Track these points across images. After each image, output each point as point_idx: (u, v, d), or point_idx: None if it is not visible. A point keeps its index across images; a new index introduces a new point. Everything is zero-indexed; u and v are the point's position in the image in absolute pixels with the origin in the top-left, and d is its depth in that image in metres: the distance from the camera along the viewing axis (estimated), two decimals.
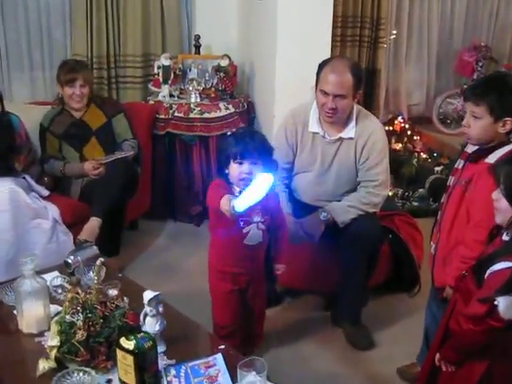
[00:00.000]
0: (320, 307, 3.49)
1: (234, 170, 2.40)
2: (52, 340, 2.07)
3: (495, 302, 1.76)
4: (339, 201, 3.12)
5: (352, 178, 3.14)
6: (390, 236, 3.39)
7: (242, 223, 2.46)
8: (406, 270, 3.51)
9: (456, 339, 1.99)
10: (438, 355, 2.10)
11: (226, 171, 2.43)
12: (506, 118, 2.28)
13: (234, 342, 2.57)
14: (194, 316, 2.48)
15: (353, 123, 3.08)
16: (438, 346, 2.15)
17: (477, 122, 2.32)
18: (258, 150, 2.40)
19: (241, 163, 2.38)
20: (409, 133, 5.55)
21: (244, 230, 2.48)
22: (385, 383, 2.90)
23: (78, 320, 2.09)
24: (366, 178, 3.10)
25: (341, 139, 3.10)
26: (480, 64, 5.82)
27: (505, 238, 1.93)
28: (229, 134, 2.50)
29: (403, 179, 5.09)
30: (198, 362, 2.08)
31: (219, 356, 2.11)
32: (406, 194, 4.96)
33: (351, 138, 3.08)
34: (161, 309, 2.18)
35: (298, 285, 3.33)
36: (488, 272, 1.82)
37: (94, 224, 3.48)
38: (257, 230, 2.50)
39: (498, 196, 1.91)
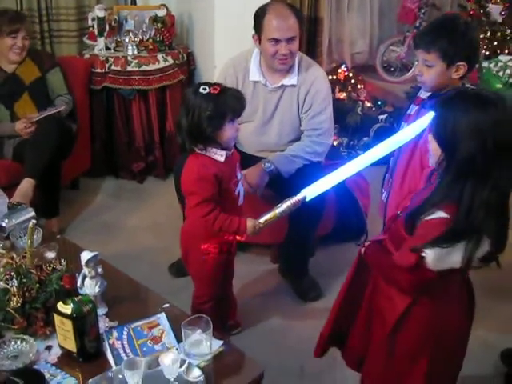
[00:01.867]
0: (267, 260, 3.45)
1: (229, 130, 2.27)
2: None
3: (422, 254, 1.70)
4: (283, 151, 3.05)
5: (295, 126, 3.08)
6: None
7: (233, 186, 2.39)
8: (353, 218, 3.50)
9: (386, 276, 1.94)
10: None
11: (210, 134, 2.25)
12: (459, 63, 2.24)
13: (216, 314, 2.53)
14: (138, 275, 2.42)
15: (295, 70, 3.01)
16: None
17: (430, 70, 2.28)
18: (244, 103, 2.32)
19: (234, 121, 2.28)
20: (352, 81, 5.49)
21: (236, 193, 2.43)
22: None
23: (12, 286, 2.00)
24: (309, 127, 3.04)
25: (283, 87, 3.03)
26: (422, 11, 5.80)
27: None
28: (204, 91, 2.21)
29: (348, 128, 5.06)
30: (140, 322, 2.02)
31: (163, 315, 2.05)
32: (351, 142, 4.93)
33: (293, 86, 3.01)
34: (100, 269, 2.11)
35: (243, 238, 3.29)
36: (421, 220, 1.74)
37: (26, 185, 3.30)
38: (241, 186, 2.48)
39: (430, 138, 1.81)
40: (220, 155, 2.32)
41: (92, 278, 2.08)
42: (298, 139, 3.08)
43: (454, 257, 1.69)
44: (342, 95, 5.36)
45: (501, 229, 1.71)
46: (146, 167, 4.42)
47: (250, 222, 2.37)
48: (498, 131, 1.61)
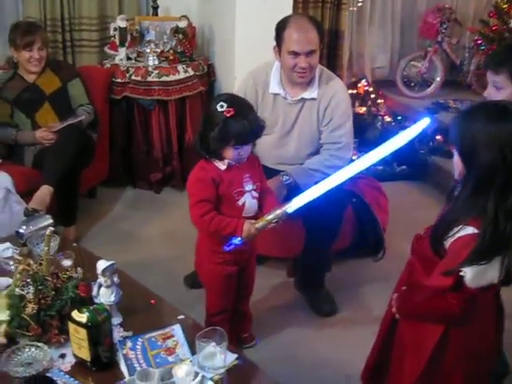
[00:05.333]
0: (283, 274, 3.43)
1: (231, 153, 2.31)
2: (1, 314, 1.99)
3: (461, 273, 1.66)
4: (302, 164, 3.04)
5: (314, 140, 3.06)
6: (354, 200, 3.34)
7: (235, 195, 2.38)
8: (371, 234, 3.48)
9: (425, 311, 1.87)
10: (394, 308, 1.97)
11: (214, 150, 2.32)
12: None
13: (227, 327, 2.49)
14: (153, 286, 2.42)
15: (316, 83, 3.01)
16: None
17: (499, 93, 2.21)
18: (256, 132, 2.34)
19: (238, 147, 2.30)
20: (373, 96, 5.48)
21: (239, 203, 2.41)
22: (349, 348, 2.86)
23: (28, 293, 2.00)
24: (329, 140, 3.02)
25: (303, 100, 3.02)
26: (444, 26, 5.77)
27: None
28: (220, 108, 2.24)
29: (367, 143, 5.04)
30: (155, 333, 2.01)
31: (177, 327, 2.04)
32: None
33: (314, 99, 3.00)
34: (116, 279, 2.10)
35: (260, 251, 3.26)
36: (451, 239, 1.70)
37: (44, 192, 3.31)
38: (251, 199, 2.44)
39: (454, 151, 1.78)
40: (222, 164, 2.36)
41: (108, 287, 2.08)
42: (316, 153, 3.07)
43: (491, 272, 1.66)
44: (362, 110, 5.35)
45: None
46: (164, 178, 4.43)
47: (246, 225, 2.35)
48: None
